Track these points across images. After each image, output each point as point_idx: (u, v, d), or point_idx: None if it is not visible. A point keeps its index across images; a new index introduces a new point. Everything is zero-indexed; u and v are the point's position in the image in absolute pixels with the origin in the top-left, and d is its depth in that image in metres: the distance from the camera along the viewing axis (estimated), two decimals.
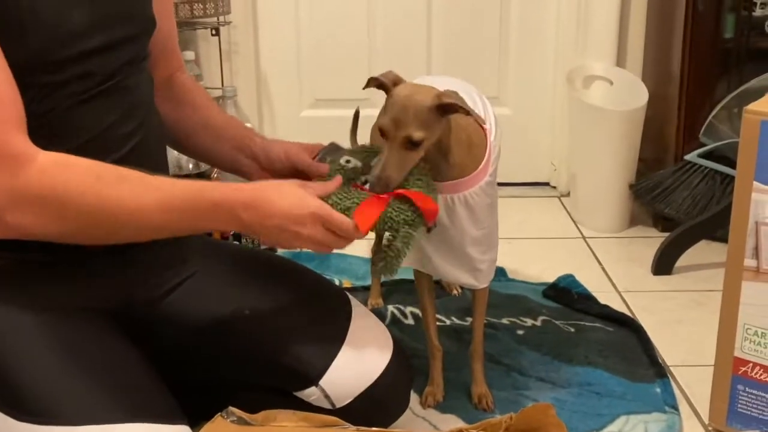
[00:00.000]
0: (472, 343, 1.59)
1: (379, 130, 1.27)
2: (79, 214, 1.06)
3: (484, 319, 1.60)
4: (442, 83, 1.55)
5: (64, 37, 1.10)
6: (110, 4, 1.16)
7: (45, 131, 1.11)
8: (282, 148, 1.35)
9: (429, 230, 1.30)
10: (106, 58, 1.15)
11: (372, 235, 1.71)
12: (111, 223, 1.08)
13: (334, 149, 1.37)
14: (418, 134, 1.25)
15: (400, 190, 1.24)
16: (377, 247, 1.88)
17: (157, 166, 1.28)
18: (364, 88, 1.33)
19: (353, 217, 1.18)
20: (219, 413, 1.07)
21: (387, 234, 1.25)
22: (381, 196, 1.23)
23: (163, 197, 1.09)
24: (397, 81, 1.29)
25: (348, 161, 1.29)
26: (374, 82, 1.30)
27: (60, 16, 1.09)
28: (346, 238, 1.15)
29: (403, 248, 1.23)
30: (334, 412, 1.24)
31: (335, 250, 1.18)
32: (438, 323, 1.82)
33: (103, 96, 1.16)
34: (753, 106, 1.33)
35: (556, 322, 1.89)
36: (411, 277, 2.07)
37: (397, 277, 2.03)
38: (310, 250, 1.18)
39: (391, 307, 1.93)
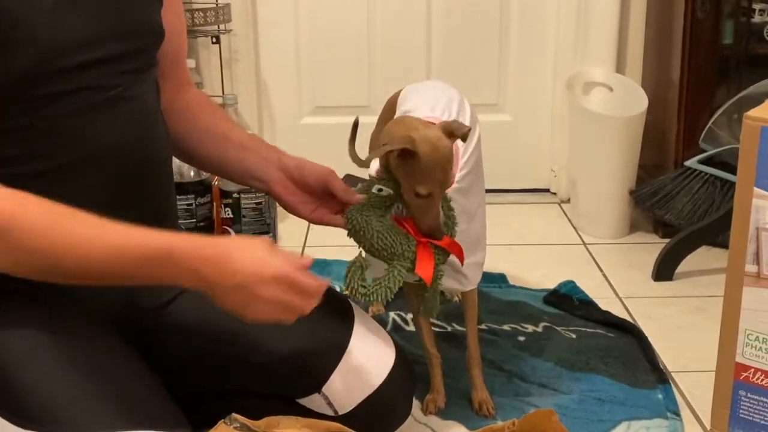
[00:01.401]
0: (467, 349, 1.60)
1: (422, 194, 1.28)
2: (27, 253, 1.04)
3: (476, 323, 1.61)
4: (426, 89, 1.56)
5: (60, 51, 1.09)
6: (112, 18, 1.16)
7: (44, 143, 1.11)
8: (316, 167, 1.34)
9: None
10: (106, 69, 1.15)
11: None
12: (62, 265, 1.05)
13: (351, 180, 1.39)
14: (453, 179, 1.35)
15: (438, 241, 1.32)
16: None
17: (162, 176, 1.28)
18: (374, 156, 1.35)
19: (417, 273, 1.29)
20: (222, 420, 1.06)
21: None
22: (426, 246, 1.30)
23: (118, 243, 1.06)
24: (411, 140, 1.27)
25: (380, 189, 1.31)
26: (393, 153, 1.29)
27: (55, 30, 1.09)
28: (313, 299, 1.12)
29: (437, 286, 1.35)
30: (337, 419, 1.24)
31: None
32: (438, 330, 1.83)
33: (104, 106, 1.15)
34: (753, 113, 1.33)
35: (557, 328, 1.90)
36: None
37: None
38: (271, 321, 1.11)
39: (392, 314, 1.94)
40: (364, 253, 1.33)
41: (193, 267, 1.06)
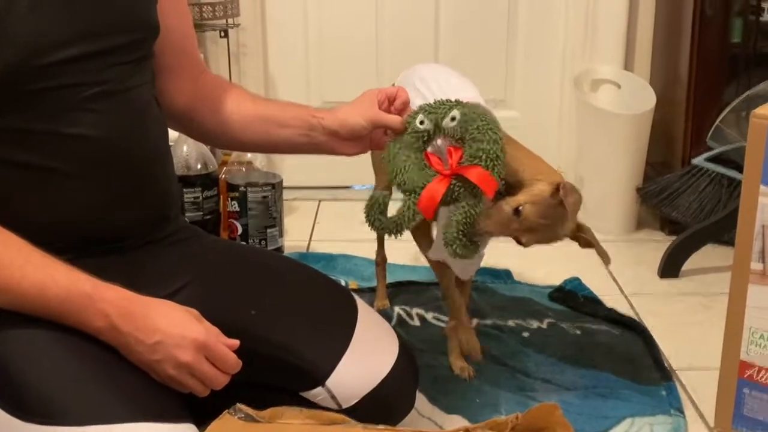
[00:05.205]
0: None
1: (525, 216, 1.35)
2: None
3: (468, 302, 1.71)
4: (433, 73, 1.56)
5: (39, 48, 1.10)
6: (98, 13, 1.16)
7: (36, 140, 1.12)
8: (359, 115, 1.33)
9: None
10: (93, 65, 1.15)
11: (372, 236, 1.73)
12: None
13: None
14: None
15: (461, 169, 1.29)
16: (381, 250, 1.91)
17: (159, 169, 1.28)
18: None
19: (417, 206, 1.28)
20: (227, 410, 1.07)
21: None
22: (444, 179, 1.29)
23: (39, 279, 1.06)
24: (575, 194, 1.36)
25: (422, 122, 1.33)
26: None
27: (34, 28, 1.09)
28: (226, 374, 1.12)
29: (463, 221, 1.30)
30: (341, 412, 1.24)
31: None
32: (444, 324, 1.84)
33: (93, 102, 1.15)
34: (760, 111, 1.33)
35: (562, 324, 1.90)
36: (417, 278, 2.09)
37: (402, 278, 2.06)
38: (181, 388, 1.11)
39: (397, 309, 1.94)
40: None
41: (110, 319, 1.06)
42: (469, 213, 1.30)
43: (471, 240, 1.31)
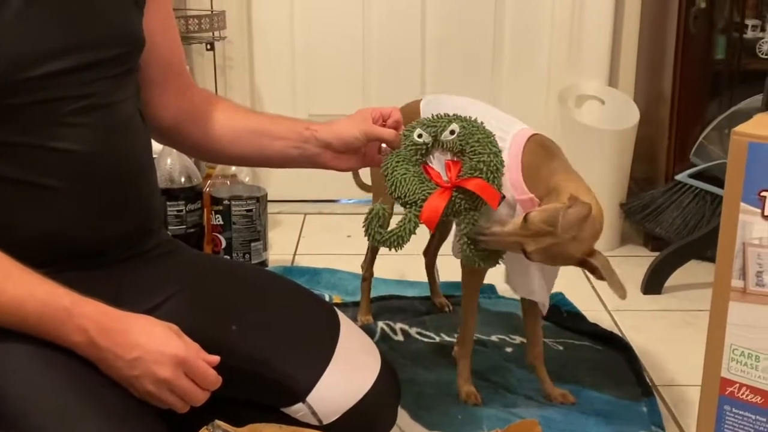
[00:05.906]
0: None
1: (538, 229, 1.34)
2: None
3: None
4: (469, 106, 1.55)
5: (23, 61, 1.09)
6: (83, 27, 1.15)
7: (18, 153, 1.11)
8: (353, 127, 1.34)
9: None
10: (77, 78, 1.14)
11: (362, 249, 1.74)
12: None
13: None
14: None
15: (462, 182, 1.32)
16: (370, 265, 1.91)
17: (142, 184, 1.28)
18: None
19: (420, 219, 1.31)
20: (205, 426, 1.07)
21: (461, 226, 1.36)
22: (445, 191, 1.32)
23: (17, 293, 1.05)
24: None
25: (420, 135, 1.35)
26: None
27: (17, 41, 1.09)
28: (206, 390, 1.11)
29: (470, 232, 1.34)
30: (321, 428, 1.24)
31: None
32: (427, 339, 1.84)
33: (77, 116, 1.15)
34: (741, 128, 1.34)
35: (545, 340, 1.88)
36: (401, 293, 2.09)
37: (386, 293, 2.06)
38: (160, 404, 1.09)
39: (381, 324, 1.93)
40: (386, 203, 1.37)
41: (89, 334, 1.05)
42: (471, 226, 1.34)
43: (483, 249, 1.35)
